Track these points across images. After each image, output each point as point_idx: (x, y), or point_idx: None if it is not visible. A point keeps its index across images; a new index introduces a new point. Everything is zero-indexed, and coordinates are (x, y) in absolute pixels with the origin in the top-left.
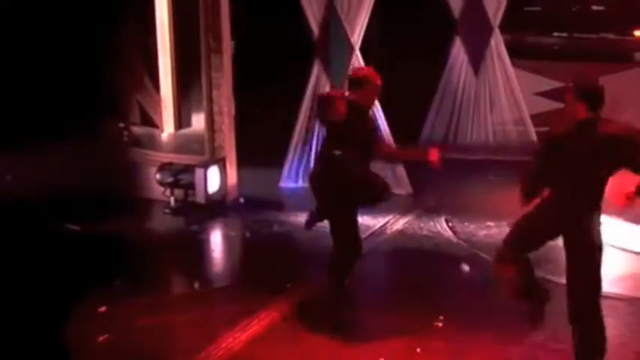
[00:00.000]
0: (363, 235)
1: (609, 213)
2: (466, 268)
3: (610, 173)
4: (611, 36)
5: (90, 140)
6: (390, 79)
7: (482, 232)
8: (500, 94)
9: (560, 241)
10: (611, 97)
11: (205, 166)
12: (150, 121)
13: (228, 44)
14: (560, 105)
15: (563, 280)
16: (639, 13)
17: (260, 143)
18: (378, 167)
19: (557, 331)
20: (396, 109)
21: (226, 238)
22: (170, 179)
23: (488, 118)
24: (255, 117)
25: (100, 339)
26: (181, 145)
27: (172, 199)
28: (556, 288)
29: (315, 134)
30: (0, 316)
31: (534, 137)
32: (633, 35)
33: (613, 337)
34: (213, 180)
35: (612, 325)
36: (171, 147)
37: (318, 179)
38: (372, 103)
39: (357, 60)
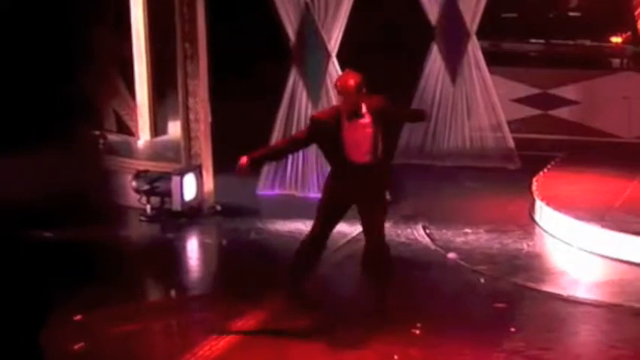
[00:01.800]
0: (340, 242)
1: (588, 220)
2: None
3: None
4: (588, 42)
5: (65, 148)
6: (367, 86)
7: (459, 239)
8: (477, 101)
9: (535, 247)
10: (588, 103)
11: (181, 173)
12: (126, 128)
13: (204, 52)
14: (537, 111)
15: (541, 287)
16: (616, 19)
17: (237, 150)
18: None
19: (537, 338)
20: None
21: (203, 246)
22: (146, 187)
23: (465, 124)
24: (231, 124)
25: (76, 347)
26: (157, 153)
27: (148, 207)
28: (536, 295)
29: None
30: None
31: (511, 143)
32: (610, 41)
33: (590, 344)
34: (189, 187)
35: (589, 332)
36: (147, 154)
37: None
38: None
39: (334, 66)
